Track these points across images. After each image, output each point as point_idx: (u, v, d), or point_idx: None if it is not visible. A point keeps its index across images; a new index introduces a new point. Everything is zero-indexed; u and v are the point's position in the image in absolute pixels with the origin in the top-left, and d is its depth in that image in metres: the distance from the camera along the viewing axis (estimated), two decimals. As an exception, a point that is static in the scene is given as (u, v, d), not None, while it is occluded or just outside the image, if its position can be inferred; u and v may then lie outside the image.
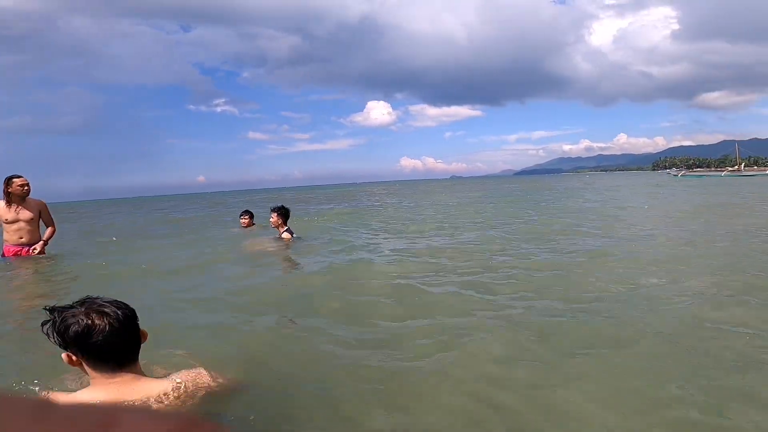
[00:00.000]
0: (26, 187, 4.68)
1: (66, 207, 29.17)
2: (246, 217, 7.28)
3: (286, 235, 5.58)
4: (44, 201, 4.95)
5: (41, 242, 4.91)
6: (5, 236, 4.72)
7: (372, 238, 6.57)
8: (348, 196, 20.98)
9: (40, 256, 4.89)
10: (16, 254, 4.75)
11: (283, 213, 5.65)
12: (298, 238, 5.81)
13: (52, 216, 5.06)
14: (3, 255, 4.76)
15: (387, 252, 5.24)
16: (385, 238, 6.54)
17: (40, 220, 4.93)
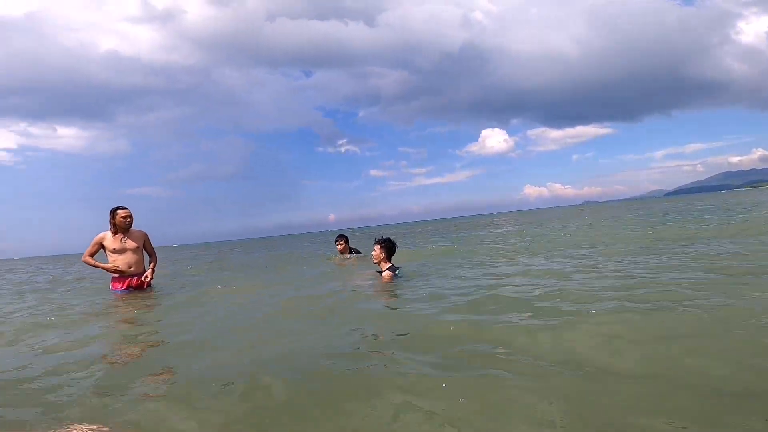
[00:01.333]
0: (129, 219, 4.85)
1: (219, 245, 33.63)
2: (341, 242, 7.42)
3: (386, 274, 4.72)
4: (146, 232, 5.09)
5: (150, 271, 5.03)
6: (114, 268, 4.87)
7: (494, 278, 5.10)
8: (465, 227, 19.54)
9: (146, 289, 4.98)
10: (127, 285, 4.90)
11: (388, 247, 4.82)
12: (400, 277, 4.91)
13: (153, 247, 5.18)
14: (112, 288, 4.95)
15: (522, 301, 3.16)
16: (508, 277, 5.00)
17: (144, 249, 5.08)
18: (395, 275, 4.79)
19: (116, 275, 4.90)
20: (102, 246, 4.82)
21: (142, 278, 4.97)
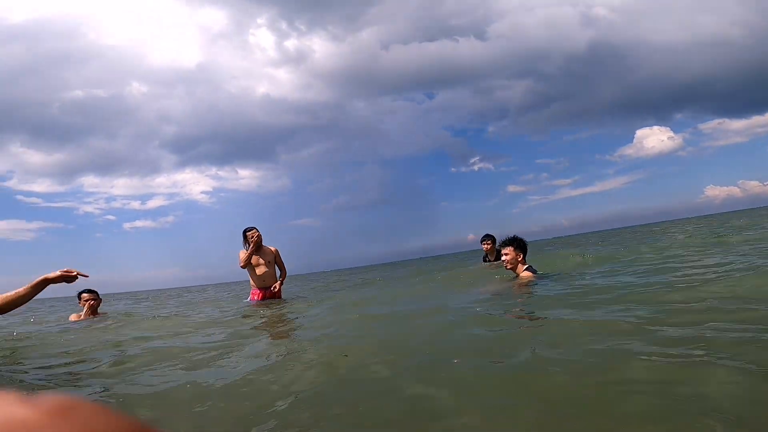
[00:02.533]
0: (258, 238, 5.31)
1: (365, 269, 35.72)
2: (488, 241, 6.58)
3: (525, 274, 4.07)
4: (276, 248, 5.49)
5: (279, 282, 5.43)
6: (252, 280, 5.40)
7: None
8: (630, 237, 16.25)
9: (276, 299, 5.37)
10: (262, 296, 5.36)
11: (520, 245, 4.13)
12: (544, 275, 4.19)
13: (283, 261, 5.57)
14: (251, 299, 5.46)
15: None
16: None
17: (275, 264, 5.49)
18: (537, 275, 4.06)
19: (255, 289, 5.41)
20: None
21: (272, 289, 5.40)
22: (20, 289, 2.40)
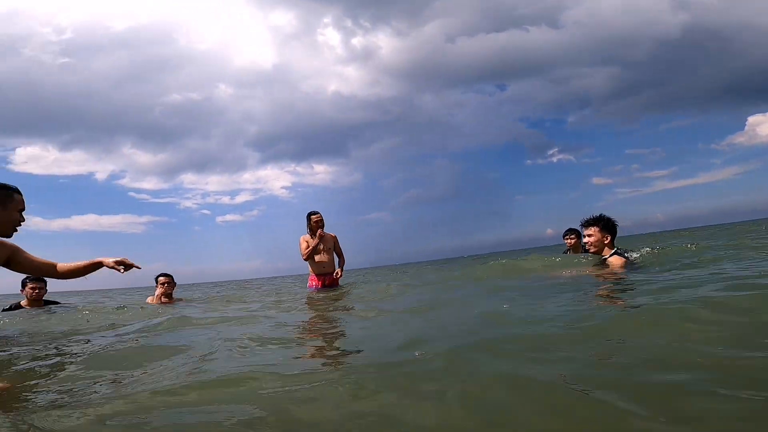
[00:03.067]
0: (321, 222, 5.23)
1: (437, 262, 35.09)
2: (572, 236, 5.56)
3: (614, 259, 3.38)
4: (335, 234, 5.38)
5: (339, 269, 5.32)
6: (311, 266, 5.34)
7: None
8: (740, 232, 13.59)
9: (337, 286, 5.29)
10: (321, 282, 5.29)
11: (607, 225, 3.44)
12: (635, 263, 3.53)
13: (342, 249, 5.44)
14: (309, 286, 5.41)
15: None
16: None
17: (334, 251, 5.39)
18: (629, 261, 3.41)
19: (313, 274, 5.35)
20: (307, 244, 5.36)
21: (333, 276, 5.29)
22: (79, 264, 2.58)
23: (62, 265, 2.56)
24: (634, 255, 3.72)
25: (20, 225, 2.33)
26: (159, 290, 5.21)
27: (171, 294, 5.31)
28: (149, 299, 5.31)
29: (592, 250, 3.49)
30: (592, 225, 3.44)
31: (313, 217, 5.26)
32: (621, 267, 3.32)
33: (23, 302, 4.23)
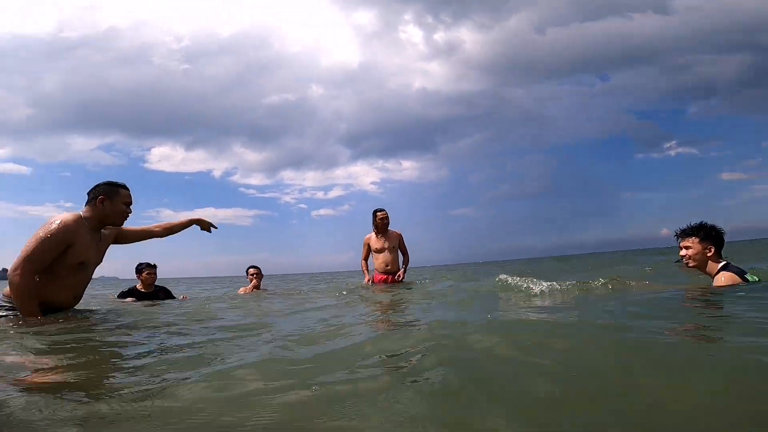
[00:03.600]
0: (386, 219, 5.28)
1: (530, 261, 32.91)
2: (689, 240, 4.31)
3: (725, 275, 2.77)
4: (400, 232, 5.40)
5: (402, 270, 5.33)
6: (375, 264, 5.43)
7: None
8: None
9: (400, 283, 5.28)
10: (383, 281, 5.36)
11: (709, 235, 2.87)
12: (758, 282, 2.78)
13: (407, 246, 5.43)
14: (372, 281, 5.49)
15: None
16: None
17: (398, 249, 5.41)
18: (745, 279, 2.74)
19: (377, 273, 5.44)
20: (369, 246, 5.46)
21: (396, 277, 5.30)
22: (176, 222, 3.20)
23: (159, 225, 3.13)
24: (754, 278, 2.97)
25: (128, 216, 2.75)
26: (252, 282, 5.75)
27: (259, 285, 5.84)
28: (241, 290, 5.87)
29: (691, 265, 2.90)
30: (690, 236, 2.89)
31: (378, 214, 5.31)
32: (731, 285, 2.69)
33: (138, 286, 4.99)
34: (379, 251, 5.37)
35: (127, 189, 2.75)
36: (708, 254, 2.85)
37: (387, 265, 5.35)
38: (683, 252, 2.92)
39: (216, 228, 3.35)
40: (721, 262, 2.85)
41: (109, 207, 2.65)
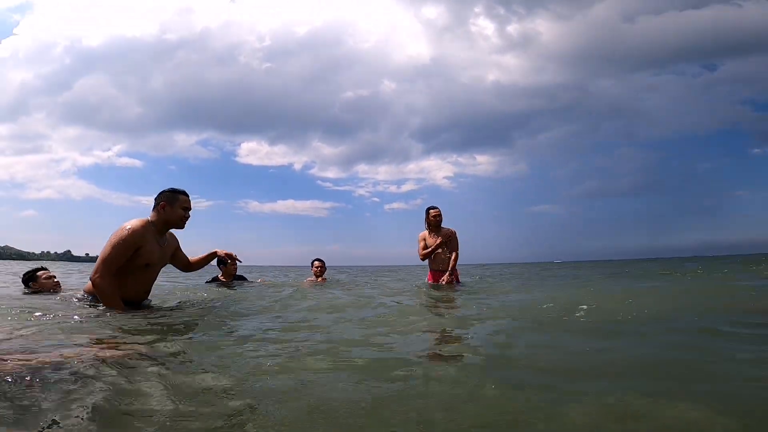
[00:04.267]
0: (439, 217, 5.30)
1: (624, 263, 30.12)
2: None
3: None
4: (454, 230, 5.37)
5: (447, 274, 5.28)
6: (430, 262, 5.48)
7: None
8: None
9: (452, 284, 5.28)
10: (435, 280, 5.40)
11: None
12: None
13: (458, 245, 5.39)
14: (428, 280, 5.56)
15: None
16: None
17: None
18: None
19: (430, 272, 5.51)
20: (425, 242, 5.51)
21: (447, 277, 5.26)
22: (200, 257, 3.37)
23: (193, 258, 3.33)
24: None
25: (186, 219, 2.96)
26: (314, 273, 6.28)
27: (323, 275, 6.32)
28: (306, 280, 6.36)
29: None
30: None
31: (431, 211, 5.33)
32: None
33: (220, 276, 5.60)
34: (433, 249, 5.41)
35: (186, 195, 2.96)
36: None
37: (439, 264, 5.37)
38: None
39: (240, 261, 3.74)
40: None
41: (170, 212, 2.87)
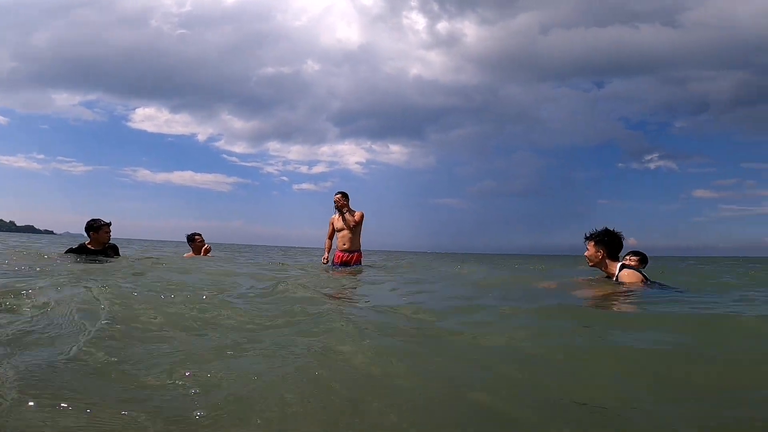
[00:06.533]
0: (339, 202, 5.38)
1: (505, 257, 33.61)
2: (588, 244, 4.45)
3: (628, 275, 3.15)
4: (362, 212, 5.49)
5: (358, 253, 5.44)
6: (336, 243, 5.54)
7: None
8: None
9: (357, 266, 5.42)
10: (342, 260, 5.47)
11: (603, 241, 3.26)
12: (658, 284, 3.25)
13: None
14: (333, 261, 5.60)
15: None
16: None
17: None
18: (647, 282, 3.16)
19: (337, 251, 5.57)
20: (332, 225, 5.56)
21: (350, 256, 5.47)
22: None
23: None
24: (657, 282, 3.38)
25: None
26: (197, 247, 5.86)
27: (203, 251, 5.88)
28: (186, 255, 5.91)
29: (590, 264, 3.39)
30: (590, 240, 3.34)
31: (335, 196, 5.45)
32: (635, 283, 3.09)
33: (88, 243, 4.79)
34: (339, 230, 5.49)
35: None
36: (600, 256, 3.26)
37: (344, 244, 5.49)
38: (585, 253, 3.28)
39: None
40: (618, 263, 3.26)
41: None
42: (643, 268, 3.90)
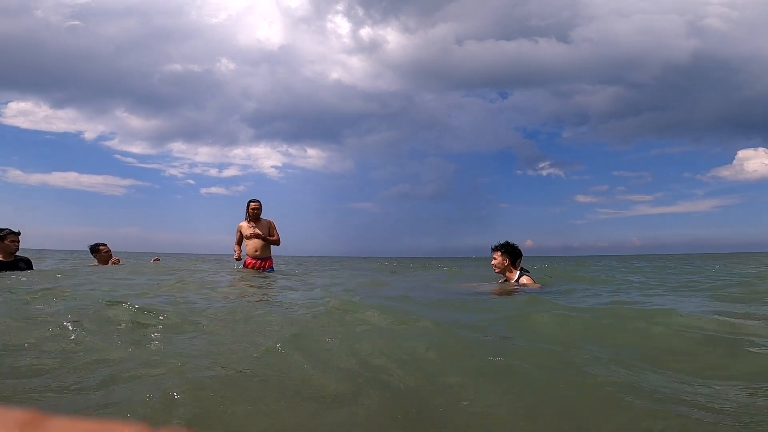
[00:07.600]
0: (258, 210, 5.37)
1: (412, 260, 35.20)
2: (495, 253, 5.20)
3: (525, 279, 3.77)
4: (273, 220, 5.52)
5: (270, 260, 5.47)
6: (246, 250, 5.48)
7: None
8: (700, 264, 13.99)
9: (269, 271, 5.42)
10: (252, 266, 5.43)
11: (508, 251, 3.86)
12: (547, 287, 3.99)
13: (279, 233, 5.56)
14: (244, 265, 5.54)
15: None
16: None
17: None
18: (541, 287, 3.79)
19: (248, 258, 5.49)
20: (240, 233, 5.49)
21: (262, 263, 5.47)
22: None
23: None
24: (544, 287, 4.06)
25: None
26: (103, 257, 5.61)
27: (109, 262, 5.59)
28: (91, 266, 5.58)
29: (496, 271, 3.93)
30: (496, 250, 3.87)
31: (251, 204, 5.43)
32: (522, 287, 3.72)
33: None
34: (250, 238, 5.43)
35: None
36: (505, 264, 3.84)
37: (256, 251, 5.45)
38: (493, 261, 3.82)
39: None
40: (518, 271, 3.83)
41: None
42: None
